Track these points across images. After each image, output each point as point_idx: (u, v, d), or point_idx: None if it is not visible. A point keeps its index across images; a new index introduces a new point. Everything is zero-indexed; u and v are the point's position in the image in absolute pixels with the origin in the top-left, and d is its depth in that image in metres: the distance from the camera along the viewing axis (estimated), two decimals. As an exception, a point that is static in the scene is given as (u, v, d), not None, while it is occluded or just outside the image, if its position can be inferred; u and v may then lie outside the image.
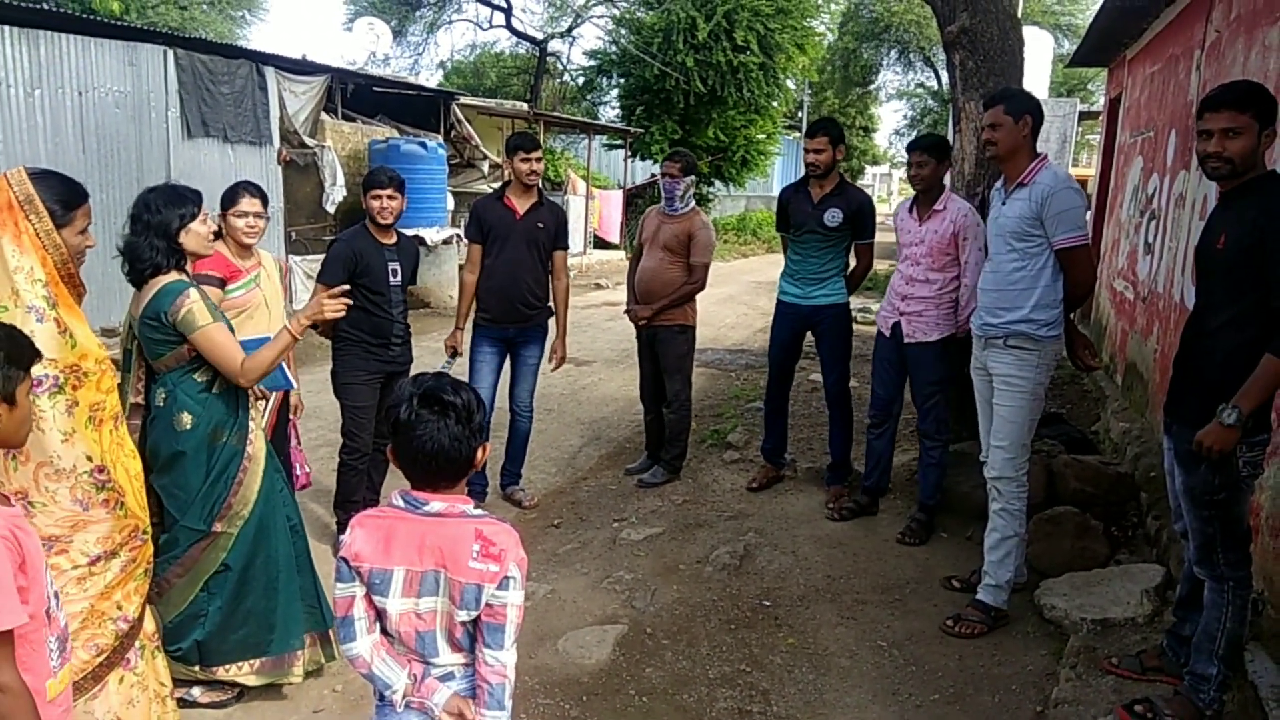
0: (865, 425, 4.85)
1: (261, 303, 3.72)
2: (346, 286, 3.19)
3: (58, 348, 2.00)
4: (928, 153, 4.30)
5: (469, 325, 4.85)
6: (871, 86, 34.30)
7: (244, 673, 3.08)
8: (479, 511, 1.83)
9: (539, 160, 4.71)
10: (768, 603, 3.90)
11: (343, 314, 3.08)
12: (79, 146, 8.22)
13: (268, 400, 3.69)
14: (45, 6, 9.87)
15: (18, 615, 1.56)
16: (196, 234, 2.94)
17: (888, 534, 4.58)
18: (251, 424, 3.08)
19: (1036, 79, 13.28)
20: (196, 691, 3.10)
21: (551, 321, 5.00)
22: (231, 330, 2.99)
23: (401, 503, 1.80)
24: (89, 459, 2.06)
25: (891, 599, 3.95)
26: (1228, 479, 2.65)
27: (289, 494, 3.28)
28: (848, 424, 5.06)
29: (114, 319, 8.55)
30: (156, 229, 2.85)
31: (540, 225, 4.80)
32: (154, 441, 2.92)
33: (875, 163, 40.93)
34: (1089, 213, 9.48)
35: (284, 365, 3.44)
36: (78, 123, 8.20)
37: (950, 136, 5.05)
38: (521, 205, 4.76)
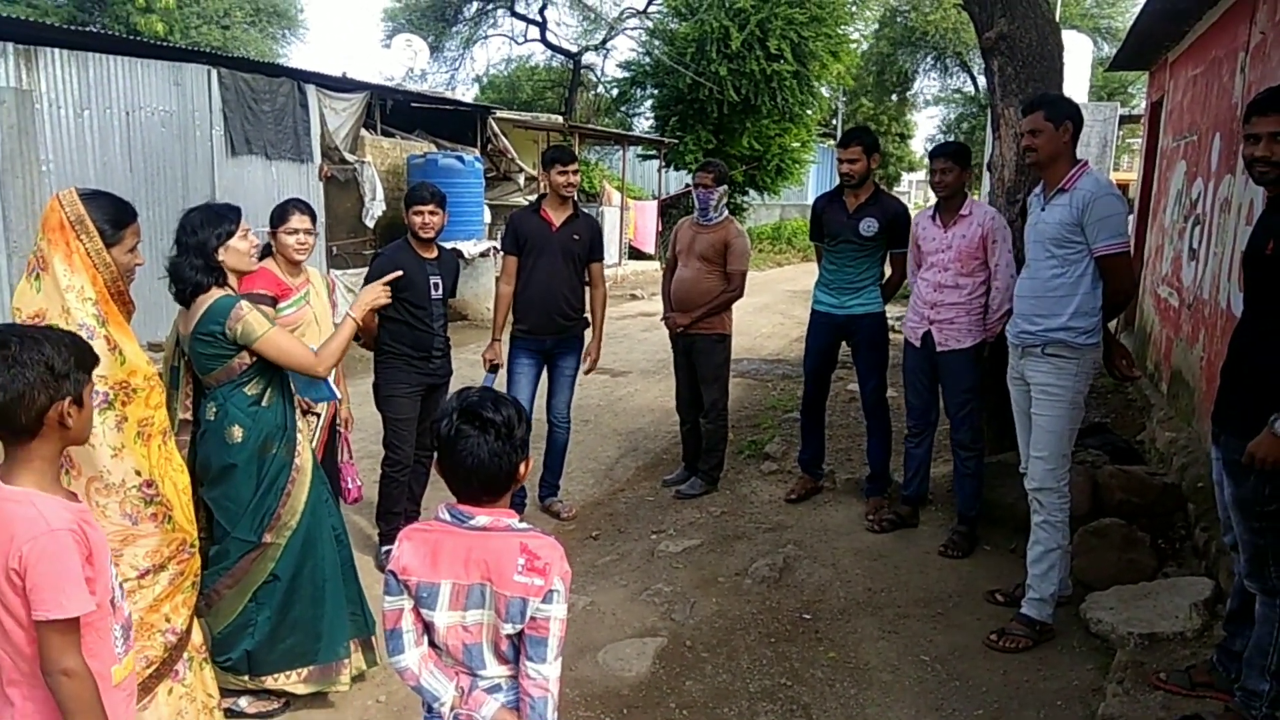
0: (904, 435, 4.82)
1: (311, 319, 3.78)
2: (400, 273, 3.28)
3: (107, 364, 2.05)
4: (952, 159, 4.32)
5: (505, 337, 4.89)
6: (908, 93, 34.08)
7: (292, 681, 3.13)
8: (524, 525, 1.85)
9: (575, 173, 4.77)
10: (808, 616, 3.88)
11: (388, 301, 3.31)
12: (126, 165, 8.41)
13: (319, 416, 3.75)
14: (93, 29, 10.12)
15: (86, 604, 1.66)
16: (236, 250, 3.00)
17: (929, 546, 4.53)
18: (299, 436, 3.14)
19: (1076, 83, 13.12)
20: (244, 702, 3.15)
21: (588, 331, 5.02)
22: None
23: (448, 516, 1.83)
24: (138, 473, 2.11)
25: (934, 612, 3.90)
26: (1279, 489, 2.59)
27: (334, 504, 3.34)
28: (886, 434, 5.02)
29: (161, 334, 8.72)
30: (195, 249, 2.92)
31: (576, 237, 4.85)
32: (205, 455, 2.99)
33: (911, 169, 40.63)
34: (1131, 218, 9.34)
35: (330, 378, 3.51)
36: (125, 142, 8.40)
37: (989, 143, 5.02)
38: (557, 218, 4.80)
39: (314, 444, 3.65)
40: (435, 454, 1.84)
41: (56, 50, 7.78)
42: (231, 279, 3.04)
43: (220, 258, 2.95)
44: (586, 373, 5.13)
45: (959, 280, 4.33)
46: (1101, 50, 22.49)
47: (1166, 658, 3.29)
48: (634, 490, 5.53)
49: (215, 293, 2.92)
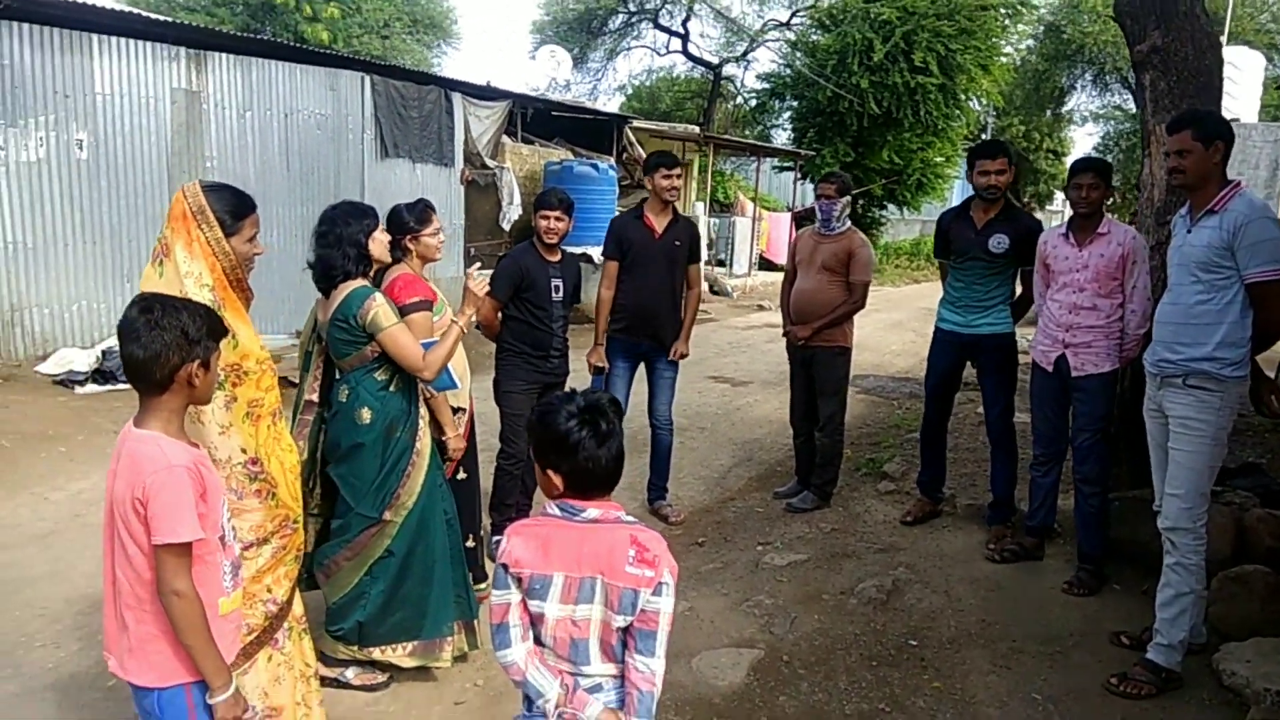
0: (1029, 463, 4.59)
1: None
2: (488, 274, 3.41)
3: (221, 347, 2.18)
4: (1097, 174, 4.10)
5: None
6: (1063, 109, 32.62)
7: (398, 655, 3.28)
8: (631, 519, 1.88)
9: (679, 177, 4.81)
10: (914, 642, 3.75)
11: (487, 290, 3.37)
12: (284, 164, 8.96)
13: (465, 411, 3.86)
14: (260, 35, 10.80)
15: (195, 530, 1.84)
16: (379, 242, 3.24)
17: (1053, 581, 4.29)
18: (421, 422, 3.29)
19: (1246, 101, 12.31)
20: (350, 674, 3.29)
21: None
22: None
23: (558, 511, 1.86)
24: (243, 451, 2.24)
25: (1051, 650, 3.70)
26: None
27: (447, 490, 3.46)
28: (1012, 460, 4.80)
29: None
30: (349, 240, 3.13)
31: (678, 243, 4.91)
32: (335, 434, 3.19)
33: (1064, 188, 38.82)
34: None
35: (450, 368, 3.65)
36: (283, 142, 8.95)
37: (1140, 160, 4.75)
38: (660, 223, 4.85)
39: (461, 432, 3.77)
40: (537, 455, 1.87)
41: (224, 55, 8.36)
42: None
43: (368, 249, 3.17)
44: (671, 361, 5.04)
45: (1097, 302, 4.11)
46: (1277, 67, 20.95)
47: (1308, 719, 3.02)
48: (744, 500, 5.49)
49: (356, 282, 3.12)
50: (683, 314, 5.05)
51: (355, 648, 3.26)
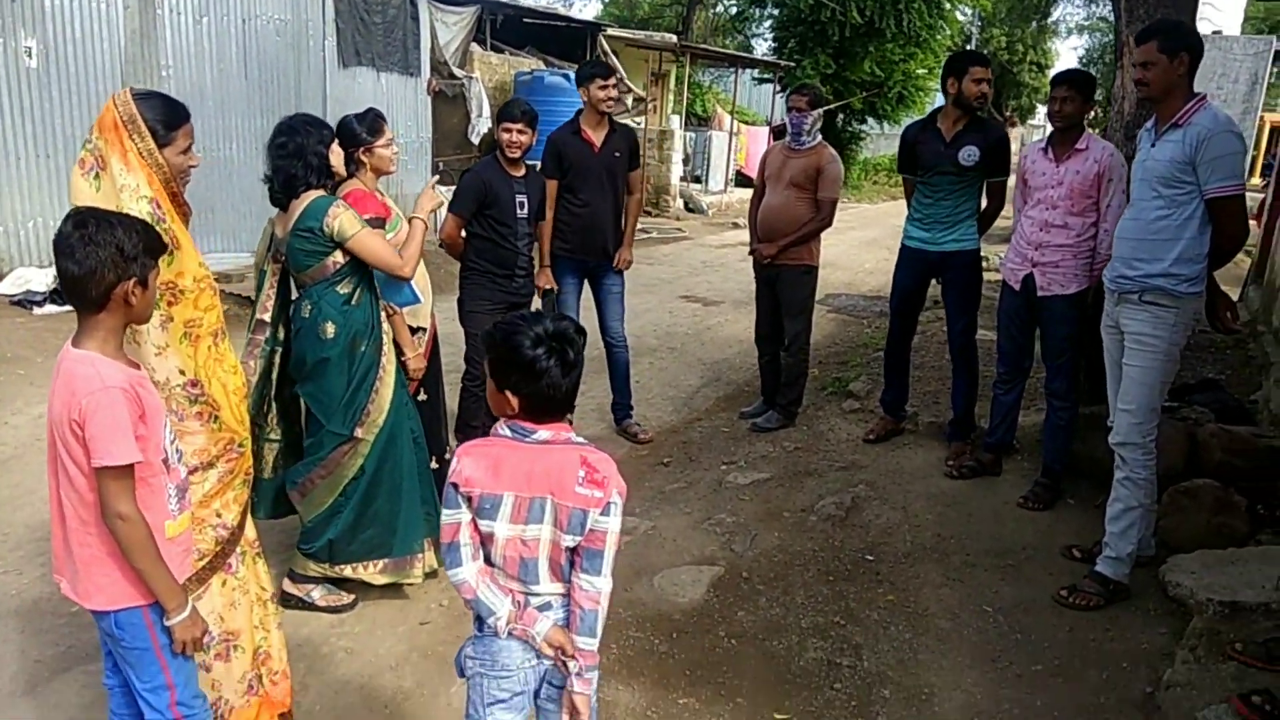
0: (993, 381, 4.63)
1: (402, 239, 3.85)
2: (435, 178, 3.48)
3: None
4: (1074, 87, 4.02)
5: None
6: (1048, 20, 32.05)
7: (370, 572, 3.32)
8: (581, 439, 1.89)
9: (615, 87, 4.69)
10: (870, 557, 3.82)
11: (442, 201, 3.41)
12: (241, 73, 8.66)
13: (424, 331, 3.82)
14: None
15: (133, 453, 1.83)
16: (336, 154, 3.18)
17: (1008, 496, 4.37)
18: (385, 337, 3.27)
19: (1230, 13, 12.12)
20: (316, 594, 3.33)
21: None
22: None
23: (508, 432, 1.85)
24: (181, 373, 2.20)
25: (1004, 564, 3.79)
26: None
27: (413, 408, 3.46)
28: (973, 378, 4.83)
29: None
30: (310, 150, 3.07)
31: (617, 154, 4.82)
32: (300, 351, 3.16)
33: (1046, 101, 38.40)
34: (1276, 164, 8.64)
35: (413, 284, 3.61)
36: (241, 50, 8.63)
37: (1114, 73, 4.67)
38: (597, 137, 4.75)
39: (421, 353, 3.75)
40: (494, 372, 1.85)
41: (178, -43, 7.98)
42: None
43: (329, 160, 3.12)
44: (618, 273, 4.99)
45: (1068, 220, 4.07)
46: (1267, -24, 20.57)
47: (1246, 628, 3.11)
48: (711, 420, 5.52)
49: (315, 192, 3.07)
50: (624, 223, 4.99)
51: (326, 565, 3.29)
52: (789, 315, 5.15)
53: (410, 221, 3.26)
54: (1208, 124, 3.17)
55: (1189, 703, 2.76)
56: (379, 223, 3.47)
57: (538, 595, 1.89)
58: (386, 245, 3.11)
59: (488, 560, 1.90)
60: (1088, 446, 4.40)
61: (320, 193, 3.08)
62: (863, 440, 5.08)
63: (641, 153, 5.05)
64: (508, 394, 1.83)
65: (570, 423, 1.97)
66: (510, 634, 1.89)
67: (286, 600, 3.31)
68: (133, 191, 2.14)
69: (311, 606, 3.32)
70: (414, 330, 3.76)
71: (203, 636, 2.02)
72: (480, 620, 1.92)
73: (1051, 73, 35.74)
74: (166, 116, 2.26)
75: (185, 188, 2.31)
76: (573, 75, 12.74)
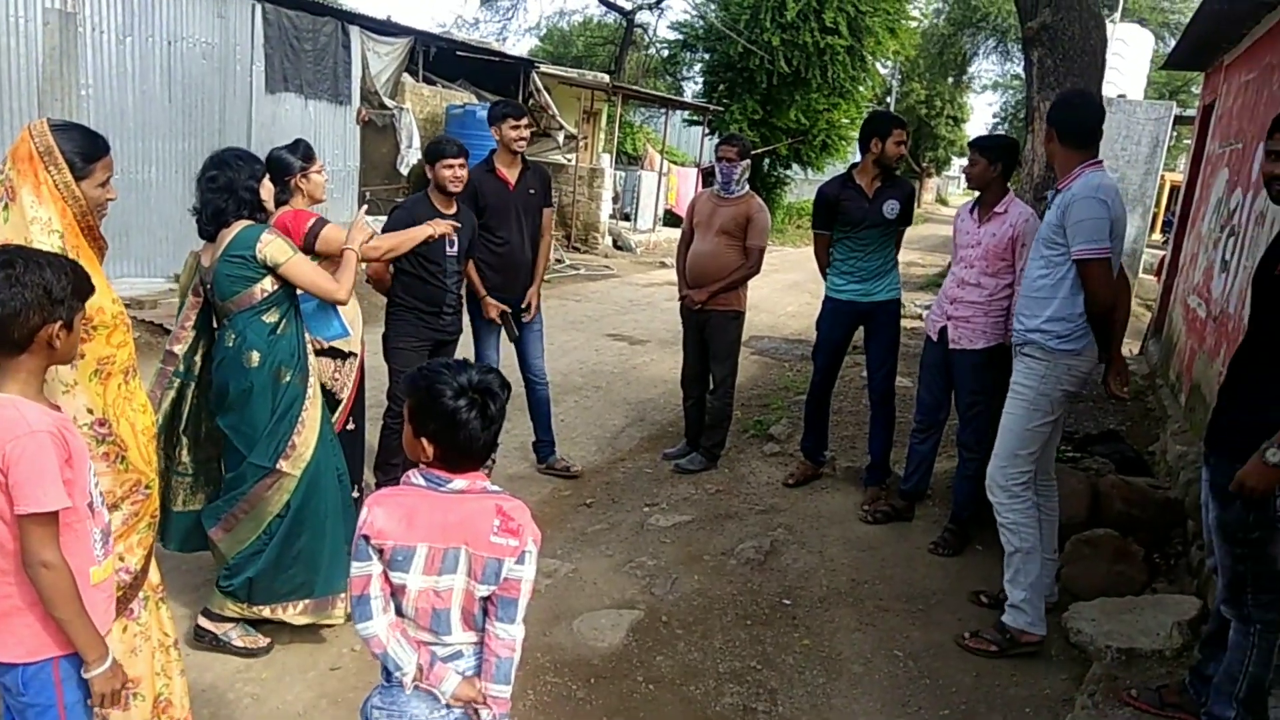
0: (910, 429, 4.77)
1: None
2: (364, 209, 3.50)
3: None
4: (979, 151, 4.25)
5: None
6: (964, 76, 33.39)
7: (290, 613, 3.24)
8: (496, 488, 1.88)
9: (528, 127, 4.72)
10: (787, 601, 3.88)
11: (374, 232, 3.48)
12: (165, 95, 8.47)
13: (354, 356, 3.82)
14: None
15: (62, 500, 1.78)
16: (266, 188, 3.16)
17: (920, 542, 4.50)
18: (310, 368, 3.23)
19: (1133, 79, 12.78)
20: (234, 634, 3.25)
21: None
22: None
23: (422, 481, 1.83)
24: (89, 411, 2.13)
25: (915, 609, 3.89)
26: (1263, 517, 2.54)
27: (338, 444, 3.41)
28: (889, 424, 4.98)
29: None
30: (242, 186, 3.05)
31: (532, 192, 4.86)
32: (222, 381, 3.10)
33: (963, 154, 39.90)
34: (1174, 221, 9.10)
35: (341, 315, 3.61)
36: (165, 71, 8.45)
37: (1026, 136, 4.91)
38: (512, 175, 4.77)
39: (349, 388, 3.79)
40: (413, 418, 1.82)
41: (102, -25, 7.80)
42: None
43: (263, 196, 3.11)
44: (527, 321, 4.98)
45: (981, 279, 4.22)
46: (1165, 46, 21.84)
47: (1141, 674, 3.25)
48: (634, 461, 5.54)
49: (244, 222, 3.04)
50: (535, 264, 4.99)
51: (244, 605, 3.20)
52: (716, 359, 5.22)
53: (342, 252, 3.25)
54: (1077, 189, 3.33)
55: (1087, 747, 2.86)
56: (324, 220, 3.55)
57: (448, 646, 1.88)
58: (319, 270, 3.10)
59: (398, 611, 1.87)
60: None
61: (250, 222, 3.06)
62: (783, 484, 5.16)
63: (557, 192, 5.12)
64: (424, 441, 1.81)
65: (491, 468, 1.98)
66: (416, 689, 1.86)
67: (201, 636, 3.22)
68: (44, 225, 2.08)
69: (226, 647, 3.22)
70: (344, 355, 3.73)
71: (122, 688, 1.95)
72: (388, 671, 1.89)
73: (967, 127, 37.25)
74: (85, 149, 2.21)
75: (101, 221, 2.26)
76: (487, 113, 12.82)
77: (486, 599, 1.84)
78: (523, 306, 4.94)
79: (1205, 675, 2.90)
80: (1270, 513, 2.54)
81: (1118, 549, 4.00)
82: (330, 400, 3.70)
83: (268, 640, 3.28)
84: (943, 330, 4.38)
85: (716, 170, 5.13)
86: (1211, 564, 2.86)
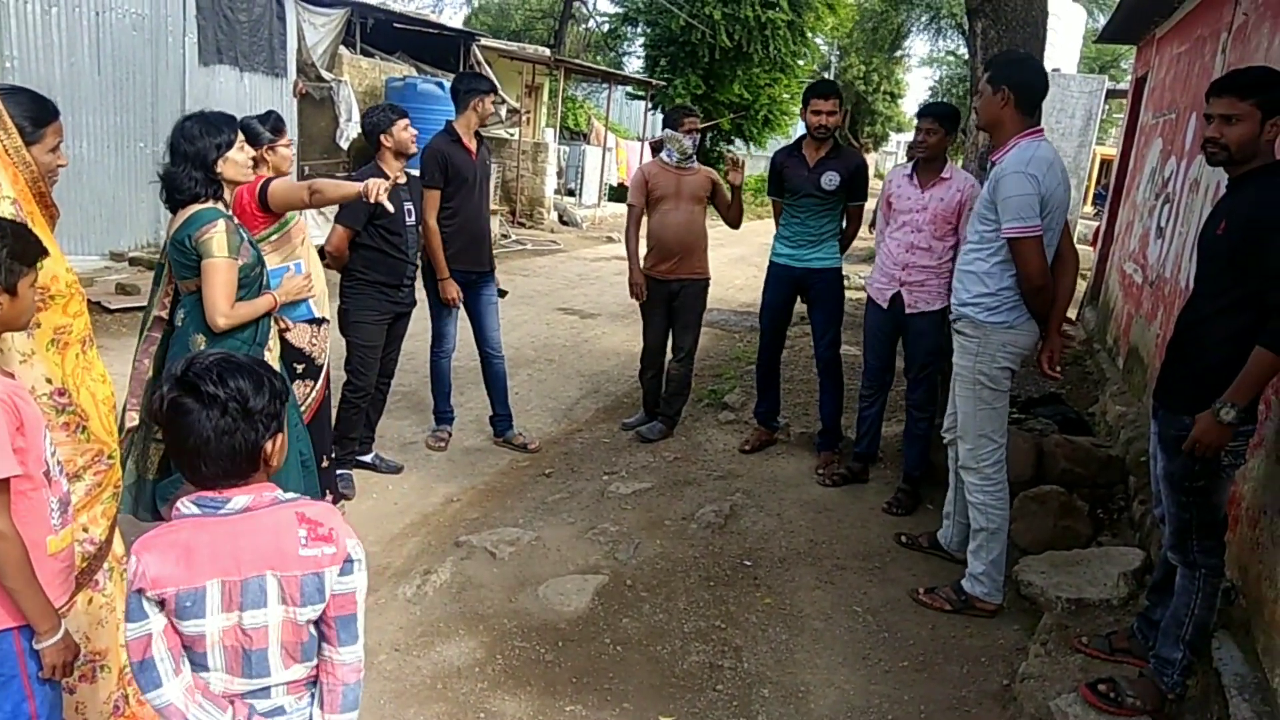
0: (859, 394, 4.86)
1: (303, 233, 3.74)
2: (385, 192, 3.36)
3: None
4: (939, 120, 4.27)
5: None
6: (899, 52, 33.72)
7: None
8: (291, 495, 1.63)
9: (501, 103, 4.73)
10: (748, 562, 3.94)
11: (310, 296, 3.49)
12: (94, 68, 8.18)
13: (327, 322, 3.79)
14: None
15: (11, 466, 1.72)
16: (234, 162, 3.03)
17: (874, 502, 4.60)
18: (267, 354, 3.15)
19: (1066, 53, 13.09)
20: None
21: None
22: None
23: (195, 509, 1.54)
24: (48, 381, 2.08)
25: (871, 566, 3.98)
26: (1208, 467, 2.65)
27: (304, 430, 3.35)
28: (838, 390, 5.06)
29: (123, 243, 8.58)
30: (194, 159, 2.92)
31: (488, 163, 4.92)
32: (171, 359, 3.03)
33: (900, 130, 40.39)
34: (1106, 194, 9.35)
35: (311, 301, 3.60)
36: (94, 44, 8.16)
37: (972, 107, 5.00)
38: (473, 146, 4.74)
39: (315, 393, 3.71)
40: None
41: (23, -59, 7.49)
42: (227, 192, 3.05)
43: (218, 170, 2.97)
44: (494, 284, 5.04)
45: (932, 243, 4.30)
46: (1096, 21, 22.34)
47: (1090, 623, 3.38)
48: (591, 431, 5.56)
49: (204, 204, 2.94)
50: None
51: None
52: (686, 328, 5.26)
53: (264, 294, 3.14)
54: (1007, 163, 3.29)
55: (1042, 693, 2.97)
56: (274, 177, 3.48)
57: (267, 693, 1.62)
58: (226, 286, 2.94)
59: (199, 665, 1.58)
60: (943, 455, 4.67)
61: (207, 205, 2.94)
62: (739, 450, 5.23)
63: (500, 167, 5.19)
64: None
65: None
66: None
67: None
68: None
69: None
70: (319, 321, 3.69)
71: (74, 660, 1.91)
72: None
73: (904, 102, 37.70)
74: (35, 113, 2.15)
75: (52, 188, 2.19)
76: (446, 84, 12.59)
77: (319, 622, 1.61)
78: (492, 278, 4.97)
79: (1153, 620, 3.03)
80: (1214, 461, 2.65)
81: (1063, 504, 4.14)
82: (312, 367, 3.65)
83: None
84: (894, 297, 4.45)
85: (683, 142, 5.03)
86: (1158, 513, 2.98)
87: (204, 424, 1.49)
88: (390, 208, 3.55)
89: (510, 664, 3.15)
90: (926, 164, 4.34)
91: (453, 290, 4.71)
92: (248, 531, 1.54)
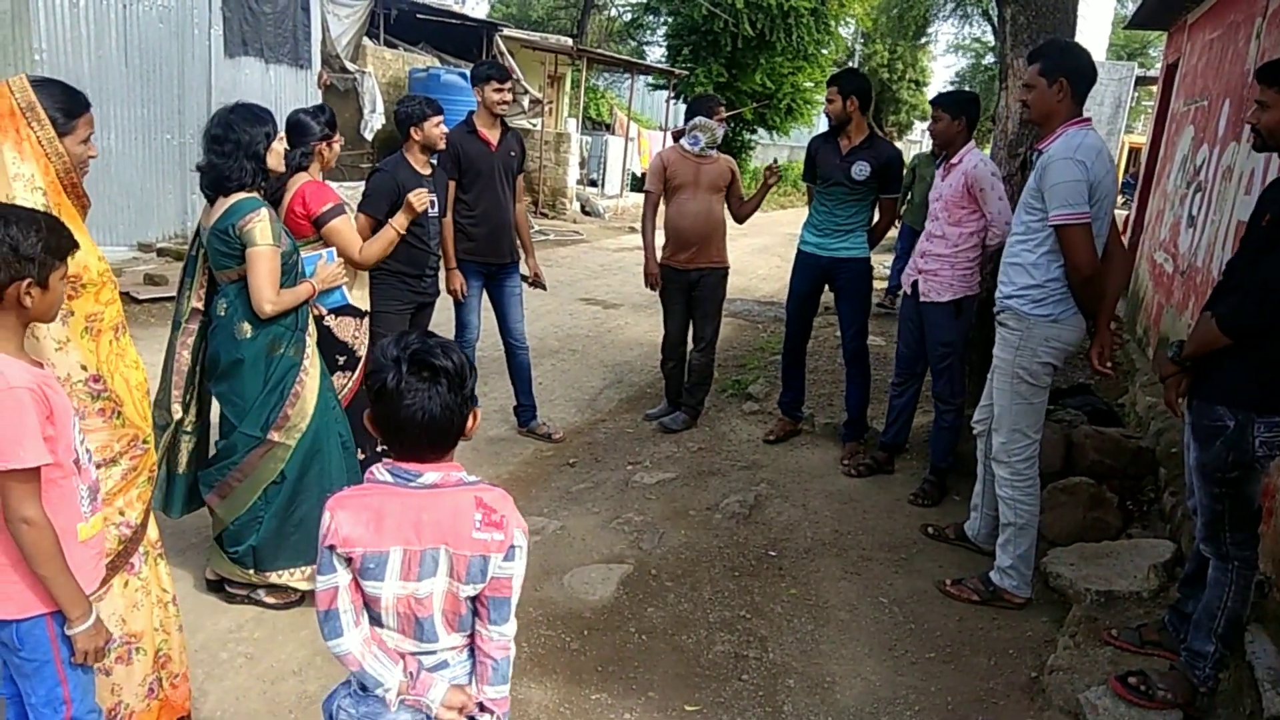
0: (890, 383, 4.83)
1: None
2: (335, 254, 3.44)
3: None
4: (941, 107, 4.29)
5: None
6: (923, 40, 33.38)
7: (296, 578, 3.24)
8: (474, 478, 1.70)
9: (510, 90, 4.64)
10: (773, 553, 3.93)
11: (345, 283, 3.49)
12: (121, 60, 8.24)
13: (367, 315, 3.83)
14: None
15: (42, 456, 1.75)
16: (276, 153, 3.06)
17: (900, 493, 4.58)
18: (308, 339, 3.18)
19: (1094, 40, 12.91)
20: (262, 593, 3.29)
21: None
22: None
23: (389, 477, 1.64)
24: (83, 368, 2.11)
25: (897, 557, 3.96)
26: (1242, 458, 2.61)
27: (342, 412, 3.38)
28: (865, 381, 5.03)
29: (150, 234, 8.66)
30: (248, 150, 2.94)
31: (512, 154, 4.84)
32: (214, 349, 3.07)
33: (925, 118, 40.01)
34: (1135, 183, 9.22)
35: (344, 288, 3.61)
36: (121, 36, 8.22)
37: (997, 93, 4.94)
38: (494, 137, 4.73)
39: (352, 383, 3.74)
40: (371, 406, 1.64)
41: (52, -65, 7.56)
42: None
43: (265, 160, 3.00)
44: (520, 275, 5.06)
45: (945, 230, 4.26)
46: (1125, 7, 22.02)
47: (1120, 615, 3.35)
48: (615, 421, 5.56)
49: (246, 194, 2.96)
50: (516, 230, 4.96)
51: (251, 572, 3.20)
52: (706, 317, 5.23)
53: (302, 282, 3.16)
54: (1055, 150, 3.23)
55: (1071, 686, 2.94)
56: (342, 209, 3.49)
57: (433, 654, 1.72)
58: (271, 274, 2.96)
59: (375, 622, 1.69)
60: (972, 446, 4.63)
61: (252, 195, 2.97)
62: (763, 441, 5.21)
63: (526, 158, 5.10)
64: (371, 424, 1.64)
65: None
66: (402, 703, 1.70)
67: (231, 597, 3.30)
68: (27, 182, 2.03)
69: (260, 603, 3.28)
70: (362, 314, 3.75)
71: (105, 646, 1.94)
72: (362, 686, 1.72)
73: (928, 90, 37.33)
74: (67, 105, 2.17)
75: (83, 179, 2.22)
76: (469, 74, 12.66)
77: (474, 599, 1.69)
78: (515, 269, 4.96)
79: (1184, 613, 2.99)
80: (1248, 452, 2.61)
81: (1093, 496, 4.10)
82: (353, 359, 3.68)
83: (298, 594, 3.29)
84: (915, 284, 4.43)
85: (714, 132, 5.02)
86: (1191, 505, 2.93)
87: (434, 400, 1.57)
88: (433, 209, 3.60)
89: (536, 652, 3.16)
90: (947, 153, 4.32)
91: (456, 281, 4.71)
92: (432, 507, 1.62)
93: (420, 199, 3.79)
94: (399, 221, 3.76)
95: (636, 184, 18.75)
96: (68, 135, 2.16)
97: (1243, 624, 2.82)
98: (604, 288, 10.00)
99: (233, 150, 2.93)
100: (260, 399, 3.06)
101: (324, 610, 1.65)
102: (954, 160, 4.25)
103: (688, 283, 5.19)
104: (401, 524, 1.61)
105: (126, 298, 6.94)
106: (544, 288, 5.22)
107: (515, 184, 4.90)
